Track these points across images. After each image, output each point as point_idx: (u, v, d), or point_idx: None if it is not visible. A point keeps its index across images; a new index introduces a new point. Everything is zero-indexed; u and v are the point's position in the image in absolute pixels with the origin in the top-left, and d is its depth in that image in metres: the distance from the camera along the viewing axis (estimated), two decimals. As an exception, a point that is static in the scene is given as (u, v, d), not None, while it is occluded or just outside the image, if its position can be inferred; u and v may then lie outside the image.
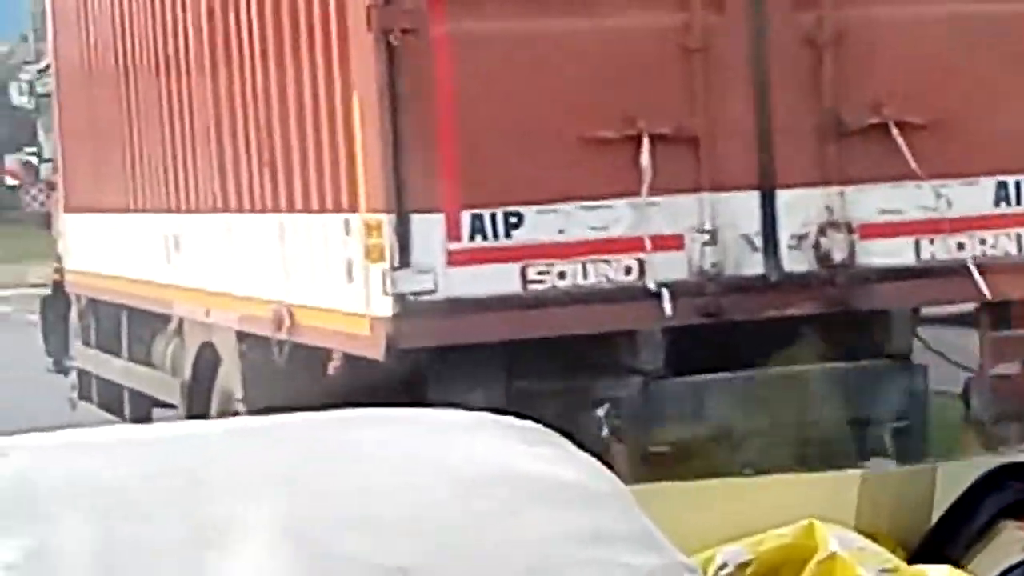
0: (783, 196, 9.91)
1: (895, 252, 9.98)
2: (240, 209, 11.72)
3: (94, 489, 1.60)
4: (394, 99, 9.43)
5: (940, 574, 2.13)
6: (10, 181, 26.30)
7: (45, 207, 31.20)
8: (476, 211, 9.57)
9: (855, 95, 9.89)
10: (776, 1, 9.83)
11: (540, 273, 9.67)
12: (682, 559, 1.62)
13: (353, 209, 9.89)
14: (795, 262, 9.90)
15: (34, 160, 18.15)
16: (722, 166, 9.84)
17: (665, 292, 9.66)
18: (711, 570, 2.25)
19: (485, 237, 9.60)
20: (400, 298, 9.47)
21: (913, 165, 9.82)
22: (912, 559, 2.36)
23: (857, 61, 9.89)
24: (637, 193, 9.67)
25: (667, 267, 9.77)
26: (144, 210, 14.01)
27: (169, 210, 13.32)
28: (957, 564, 2.29)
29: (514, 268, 9.64)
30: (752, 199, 9.90)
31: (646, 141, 9.65)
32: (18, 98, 17.95)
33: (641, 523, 1.71)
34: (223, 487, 1.61)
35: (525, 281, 9.65)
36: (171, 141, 13.13)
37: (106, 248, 15.42)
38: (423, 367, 9.61)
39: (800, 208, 9.92)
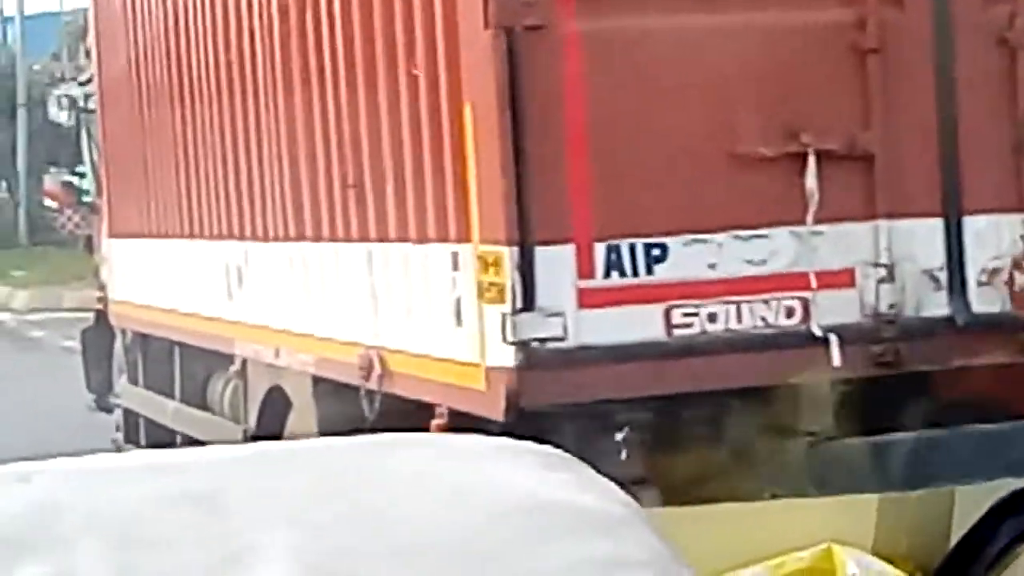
0: (972, 224, 8.31)
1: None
2: (319, 237, 10.18)
3: (114, 515, 1.46)
4: (516, 109, 7.88)
5: None
6: (49, 203, 24.89)
7: (82, 228, 29.88)
8: (612, 242, 7.99)
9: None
10: (963, -7, 8.29)
11: (687, 315, 8.09)
12: None
13: (463, 239, 8.33)
14: (986, 302, 8.30)
15: (76, 180, 16.63)
16: (901, 189, 8.24)
17: (833, 338, 8.10)
18: None
19: (623, 273, 8.02)
20: (523, 346, 7.91)
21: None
22: None
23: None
24: (801, 221, 8.10)
25: (835, 308, 8.20)
26: (202, 237, 12.47)
27: (232, 237, 11.79)
28: None
29: (657, 310, 8.06)
30: (935, 228, 8.32)
31: (812, 159, 8.07)
32: (57, 113, 16.48)
33: (661, 547, 1.59)
34: (243, 514, 1.46)
35: (670, 325, 8.07)
36: (235, 161, 11.57)
37: (157, 278, 13.88)
38: (546, 427, 8.06)
39: (992, 238, 8.34)
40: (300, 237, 10.46)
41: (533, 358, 7.90)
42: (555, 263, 7.93)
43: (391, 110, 9.00)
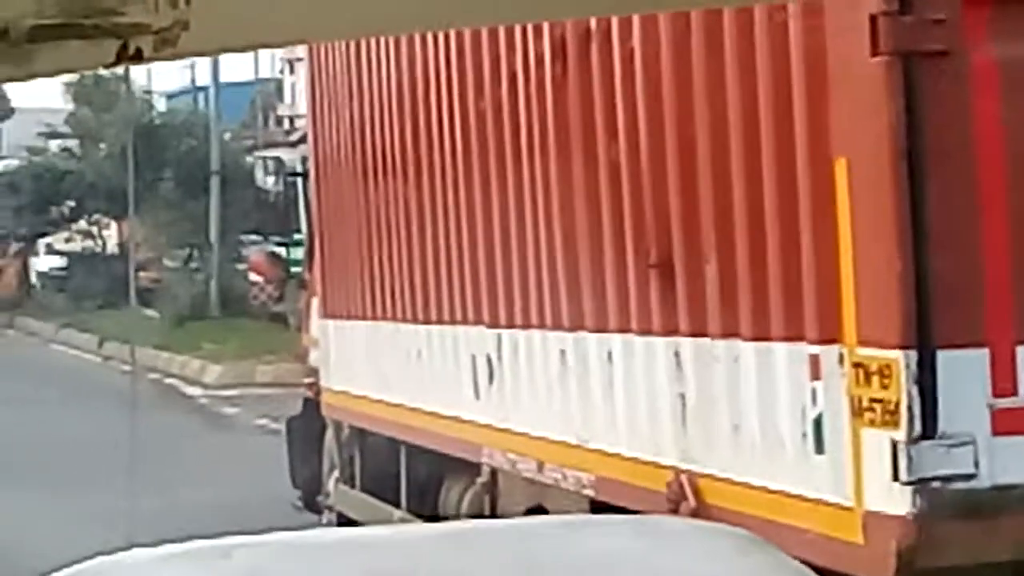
0: None
1: None
2: (602, 327, 8.11)
3: None
4: (914, 165, 5.78)
5: None
6: (254, 278, 23.25)
7: (274, 302, 28.33)
8: (1039, 346, 5.89)
9: None
10: None
11: None
12: None
13: (827, 339, 6.22)
14: None
15: (282, 252, 14.80)
16: None
17: None
18: None
19: (1056, 388, 5.92)
20: (923, 486, 5.79)
21: None
22: None
23: None
24: None
25: None
26: (442, 322, 10.44)
27: (481, 323, 9.74)
28: None
29: (1098, 438, 5.93)
30: None
31: None
32: (263, 177, 14.65)
33: None
34: None
35: (1113, 458, 5.94)
36: (486, 235, 9.55)
37: (382, 367, 11.86)
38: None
39: None
40: (576, 326, 8.39)
41: (936, 503, 5.79)
42: (964, 373, 5.82)
43: (717, 172, 6.91)
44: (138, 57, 1.64)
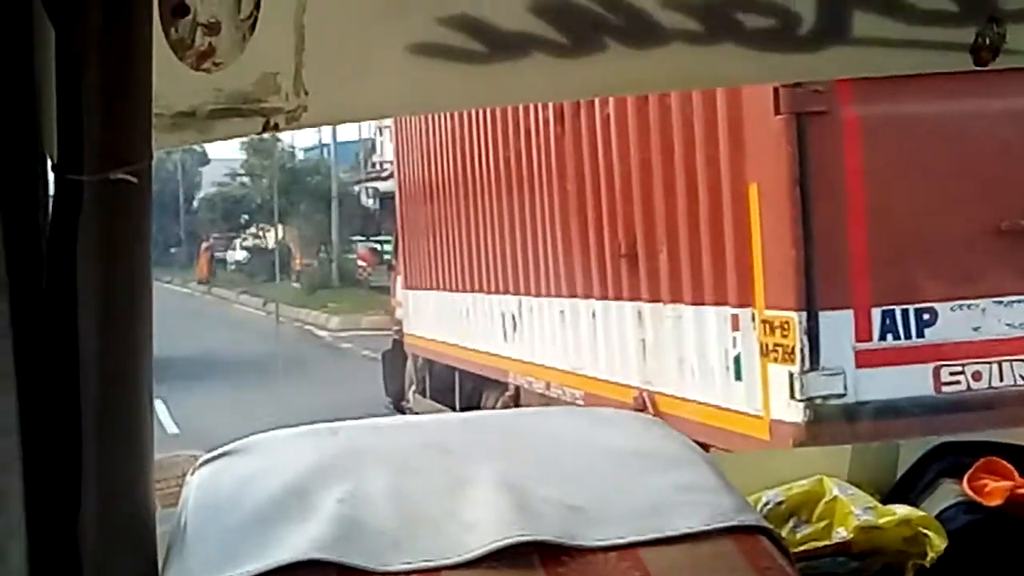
0: None
1: None
2: (588, 295, 7.65)
3: (389, 454, 1.40)
4: (803, 188, 5.33)
5: (902, 510, 1.91)
6: (360, 263, 22.95)
7: (374, 278, 27.87)
8: (887, 308, 5.41)
9: None
10: None
11: (954, 374, 5.47)
12: (745, 500, 1.41)
13: (743, 304, 5.78)
14: None
15: (378, 247, 14.29)
16: None
17: (1082, 393, 5.46)
18: (759, 507, 1.82)
19: (896, 336, 5.43)
20: (810, 402, 5.35)
21: None
22: (883, 502, 1.97)
23: None
24: (1056, 287, 5.49)
25: (1085, 366, 5.56)
26: (482, 291, 9.97)
27: (508, 292, 9.28)
28: (913, 505, 1.93)
29: (927, 369, 5.44)
30: None
31: (1068, 232, 5.46)
32: (366, 200, 14.14)
33: (720, 477, 1.41)
34: (463, 455, 1.39)
35: (938, 383, 5.45)
36: (512, 233, 9.05)
37: (443, 320, 11.37)
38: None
39: None
40: (572, 295, 7.93)
41: (818, 413, 5.34)
42: (837, 327, 5.36)
43: (666, 190, 6.46)
44: (276, 128, 1.64)
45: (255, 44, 1.48)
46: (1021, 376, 5.46)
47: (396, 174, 13.35)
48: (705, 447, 5.59)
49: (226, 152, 40.83)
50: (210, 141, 1.69)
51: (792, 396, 5.33)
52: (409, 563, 1.27)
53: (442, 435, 1.52)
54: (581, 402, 7.81)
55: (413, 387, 13.32)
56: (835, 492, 2.04)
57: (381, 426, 1.61)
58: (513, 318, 9.17)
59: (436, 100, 1.89)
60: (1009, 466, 2.07)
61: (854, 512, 1.99)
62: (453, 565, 1.27)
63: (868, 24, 1.68)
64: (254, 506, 1.33)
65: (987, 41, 1.69)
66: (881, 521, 1.98)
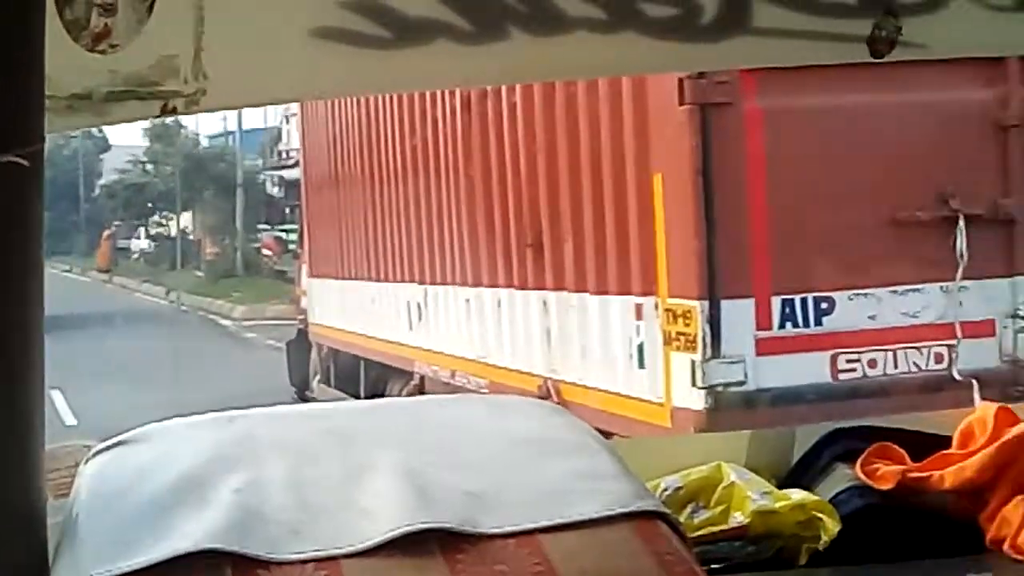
0: (1093, 279, 5.83)
1: None
2: (495, 284, 7.65)
3: (288, 442, 1.40)
4: (706, 178, 5.39)
5: (797, 495, 1.92)
6: (265, 251, 22.70)
7: (277, 266, 27.59)
8: (787, 297, 5.50)
9: None
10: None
11: (851, 361, 5.56)
12: (644, 486, 1.44)
13: (647, 293, 5.82)
14: (1105, 348, 5.80)
15: (283, 236, 14.15)
16: (1034, 248, 5.76)
17: (974, 382, 5.58)
18: (658, 492, 1.87)
19: (796, 324, 5.52)
20: (711, 390, 5.41)
21: None
22: (779, 487, 2.02)
23: None
24: (950, 278, 5.59)
25: (977, 355, 5.68)
26: (387, 280, 9.94)
27: (413, 281, 9.26)
28: (807, 490, 2.02)
29: (824, 357, 5.54)
30: (1061, 282, 5.81)
31: (961, 223, 5.57)
32: (271, 188, 13.99)
33: (619, 464, 1.44)
34: (363, 443, 1.39)
35: (835, 370, 5.55)
36: (417, 222, 9.02)
37: (348, 309, 11.32)
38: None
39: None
40: (477, 283, 7.94)
41: (719, 401, 5.40)
42: (738, 315, 5.42)
43: (572, 180, 6.49)
44: (174, 112, 1.61)
45: (153, 26, 1.45)
46: (915, 364, 5.58)
47: (302, 162, 13.23)
48: (608, 435, 5.65)
49: (128, 139, 40.23)
50: (107, 124, 1.65)
51: (694, 384, 5.39)
52: (306, 552, 1.25)
53: (342, 423, 1.50)
54: (486, 391, 7.81)
55: (318, 377, 13.24)
56: (732, 477, 2.06)
57: (280, 414, 1.58)
58: (419, 307, 9.15)
59: (339, 85, 1.86)
60: (901, 451, 2.12)
61: (751, 497, 2.02)
62: (350, 554, 1.25)
63: (769, 15, 1.70)
64: (148, 496, 1.31)
65: (883, 33, 1.72)
66: (777, 505, 2.01)
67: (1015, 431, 2.08)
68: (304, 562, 1.23)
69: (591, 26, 1.64)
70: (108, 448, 1.45)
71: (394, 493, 1.32)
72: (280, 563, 1.23)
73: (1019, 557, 1.97)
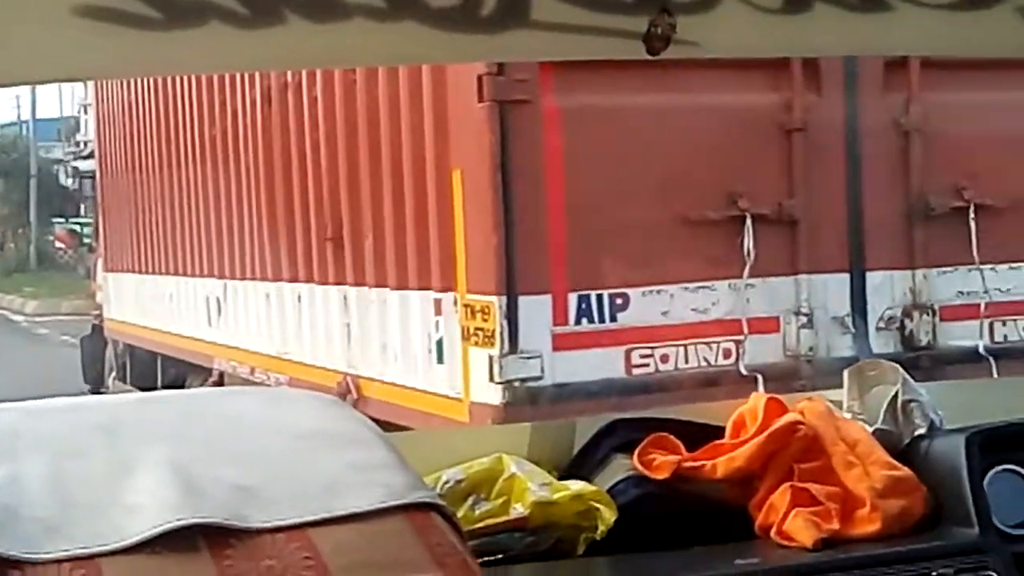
0: (872, 279, 6.07)
1: (972, 335, 6.18)
2: (294, 279, 7.58)
3: (52, 436, 1.37)
4: (505, 175, 5.44)
5: (576, 485, 2.03)
6: (59, 245, 21.96)
7: (74, 260, 26.77)
8: (583, 293, 5.59)
9: (940, 178, 6.09)
10: (866, 82, 5.97)
11: (644, 357, 5.68)
12: (419, 477, 1.43)
13: (446, 288, 5.85)
14: (882, 344, 6.04)
15: (78, 229, 13.74)
16: (817, 249, 5.95)
17: (759, 377, 5.77)
18: (438, 486, 1.97)
19: (591, 320, 5.62)
20: (508, 385, 5.46)
21: (975, 253, 6.05)
22: (560, 478, 2.09)
23: (942, 144, 6.09)
24: (738, 275, 5.76)
25: (763, 350, 5.88)
26: (185, 275, 9.75)
27: (212, 276, 9.10)
28: (587, 480, 2.07)
29: (619, 352, 5.64)
30: (844, 282, 6.04)
31: (749, 222, 5.75)
32: (65, 180, 13.56)
33: (396, 456, 1.43)
34: (133, 436, 1.36)
35: (630, 365, 5.65)
36: (216, 214, 8.89)
37: (144, 303, 11.05)
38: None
39: (887, 290, 6.10)
40: (277, 278, 7.85)
41: (516, 396, 5.46)
42: (535, 311, 5.49)
43: (372, 175, 6.47)
44: None
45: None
46: (705, 359, 5.74)
47: (97, 153, 12.87)
48: (405, 431, 5.65)
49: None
50: None
51: (491, 379, 5.43)
52: (63, 550, 1.22)
53: (111, 416, 1.45)
54: (286, 386, 7.74)
55: (113, 373, 12.90)
56: (513, 469, 2.09)
57: (45, 407, 1.52)
58: (218, 302, 9.00)
59: (107, 67, 1.80)
60: (676, 441, 2.18)
61: (531, 488, 2.05)
62: (111, 552, 1.22)
63: (548, 9, 1.71)
64: None
65: (659, 31, 1.75)
66: (556, 496, 2.05)
67: (782, 421, 2.17)
68: (60, 561, 1.20)
69: (369, 13, 1.63)
70: None
71: (160, 488, 1.29)
72: (35, 563, 1.20)
73: (785, 542, 2.06)
